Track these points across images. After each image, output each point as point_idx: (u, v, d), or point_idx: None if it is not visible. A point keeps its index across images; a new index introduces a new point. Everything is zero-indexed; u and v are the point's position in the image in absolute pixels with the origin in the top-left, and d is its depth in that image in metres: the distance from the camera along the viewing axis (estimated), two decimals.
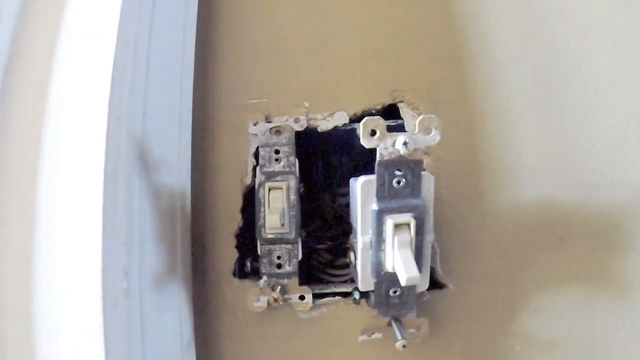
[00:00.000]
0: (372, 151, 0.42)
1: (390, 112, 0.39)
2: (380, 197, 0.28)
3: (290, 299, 0.35)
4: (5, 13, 0.33)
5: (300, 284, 0.35)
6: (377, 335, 0.34)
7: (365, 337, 0.35)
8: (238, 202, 0.38)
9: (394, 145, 0.27)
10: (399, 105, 0.39)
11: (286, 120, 0.38)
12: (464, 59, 0.39)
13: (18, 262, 0.30)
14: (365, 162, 0.44)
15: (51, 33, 0.33)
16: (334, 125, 0.39)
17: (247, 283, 0.37)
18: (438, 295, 0.36)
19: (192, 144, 0.38)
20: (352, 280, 0.35)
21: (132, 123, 0.32)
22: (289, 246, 0.35)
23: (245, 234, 0.38)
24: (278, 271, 0.35)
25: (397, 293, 0.30)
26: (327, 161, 0.44)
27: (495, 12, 0.40)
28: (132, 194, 0.31)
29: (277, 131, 0.38)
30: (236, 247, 0.37)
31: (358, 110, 0.39)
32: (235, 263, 0.37)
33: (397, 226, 0.28)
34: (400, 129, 0.38)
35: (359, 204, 0.29)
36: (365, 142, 0.27)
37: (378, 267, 0.29)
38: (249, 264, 0.37)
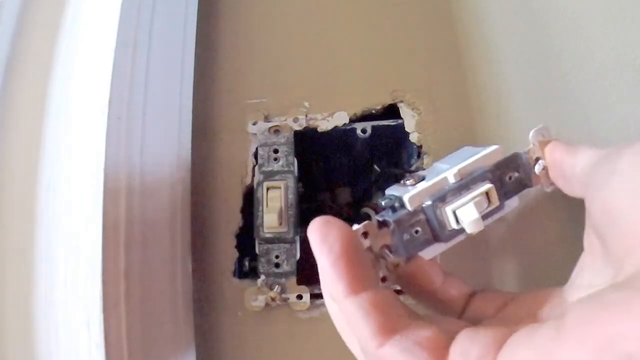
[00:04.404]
0: (372, 151, 0.42)
1: (391, 112, 0.39)
2: (495, 168, 0.29)
3: (288, 298, 0.35)
4: (5, 13, 0.34)
5: (299, 283, 0.35)
6: (366, 242, 0.31)
7: None
8: (238, 202, 0.38)
9: (537, 159, 0.30)
10: (399, 105, 0.39)
11: (285, 120, 0.38)
12: (464, 58, 0.39)
13: (18, 262, 0.30)
14: (365, 162, 0.44)
15: (51, 33, 0.33)
16: (334, 125, 0.39)
17: (246, 282, 0.37)
18: None
19: (192, 144, 0.38)
20: None
21: (132, 123, 0.32)
22: (287, 245, 0.35)
23: (245, 233, 0.38)
24: (276, 270, 0.35)
25: (417, 234, 0.29)
26: (326, 161, 0.44)
27: (495, 12, 0.40)
28: (132, 194, 0.31)
29: (276, 131, 0.38)
30: (236, 247, 0.38)
31: (358, 110, 0.39)
32: (235, 263, 0.37)
33: (485, 193, 0.28)
34: (400, 128, 0.38)
35: (479, 155, 0.29)
36: (532, 136, 0.30)
37: (440, 198, 0.28)
38: (246, 263, 0.37)
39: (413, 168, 0.39)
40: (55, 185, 0.30)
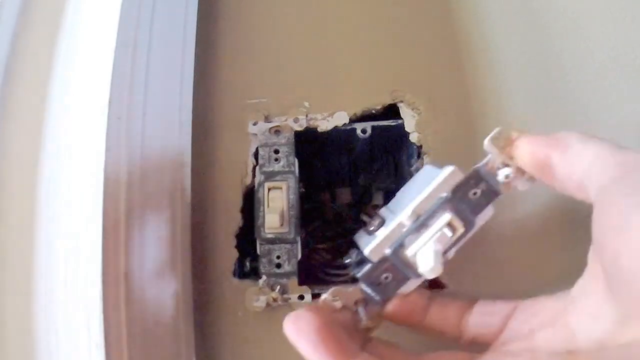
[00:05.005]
0: (372, 152, 0.42)
1: (391, 112, 0.39)
2: (454, 192, 0.28)
3: (289, 298, 0.35)
4: (5, 13, 0.33)
5: (300, 283, 0.35)
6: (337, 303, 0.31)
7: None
8: (238, 202, 0.38)
9: (499, 167, 0.28)
10: (399, 105, 0.39)
11: (285, 120, 0.38)
12: (464, 58, 0.39)
13: (18, 262, 0.30)
14: (364, 162, 0.44)
15: (51, 33, 0.33)
16: (334, 125, 0.39)
17: (246, 283, 0.37)
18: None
19: (192, 144, 0.38)
20: (353, 280, 0.34)
21: (132, 123, 0.32)
22: (288, 246, 0.35)
23: (246, 234, 0.38)
24: (277, 271, 0.35)
25: (388, 279, 0.30)
26: (327, 161, 0.44)
27: (495, 12, 0.40)
28: (132, 194, 0.31)
29: (277, 131, 0.38)
30: (236, 247, 0.37)
31: (358, 110, 0.39)
32: (235, 263, 0.37)
33: (447, 224, 0.28)
34: (400, 128, 0.38)
35: (434, 185, 0.28)
36: (488, 144, 0.28)
37: (400, 245, 0.29)
38: (247, 264, 0.37)
39: (413, 168, 0.39)
40: (55, 185, 0.30)
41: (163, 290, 0.33)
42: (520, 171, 0.28)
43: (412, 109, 0.38)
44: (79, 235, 0.29)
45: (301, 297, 0.35)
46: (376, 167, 0.45)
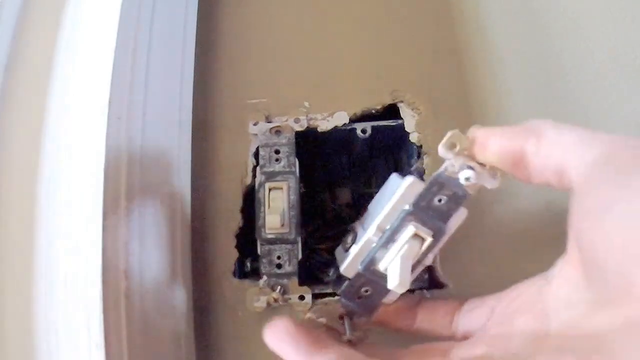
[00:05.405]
0: (372, 152, 0.42)
1: (391, 112, 0.39)
2: (417, 203, 0.28)
3: (290, 298, 0.35)
4: (5, 13, 0.33)
5: (301, 284, 0.35)
6: (322, 319, 0.33)
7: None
8: (238, 202, 0.38)
9: (459, 171, 0.27)
10: (399, 105, 0.39)
11: (286, 120, 0.38)
12: (465, 59, 0.39)
13: (18, 262, 0.30)
14: (364, 162, 0.44)
15: (51, 33, 0.33)
16: (334, 125, 0.39)
17: (247, 283, 0.37)
18: (438, 295, 0.36)
19: (192, 144, 0.38)
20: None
21: (132, 123, 0.32)
22: (288, 246, 0.35)
23: (245, 234, 0.38)
24: (278, 271, 0.35)
25: (368, 292, 0.30)
26: (327, 161, 0.44)
27: (495, 12, 0.40)
28: (133, 193, 0.31)
29: (277, 131, 0.38)
30: (236, 247, 0.37)
31: (358, 110, 0.39)
32: (235, 263, 0.37)
33: (414, 235, 0.28)
34: (400, 128, 0.38)
35: (395, 198, 0.28)
36: (442, 151, 0.27)
37: (371, 261, 0.29)
38: (248, 264, 0.37)
39: (413, 168, 0.39)
40: (55, 185, 0.30)
41: (163, 291, 0.33)
42: (483, 170, 0.27)
43: (412, 109, 0.38)
44: (78, 235, 0.29)
45: (302, 298, 0.35)
46: (376, 167, 0.45)
